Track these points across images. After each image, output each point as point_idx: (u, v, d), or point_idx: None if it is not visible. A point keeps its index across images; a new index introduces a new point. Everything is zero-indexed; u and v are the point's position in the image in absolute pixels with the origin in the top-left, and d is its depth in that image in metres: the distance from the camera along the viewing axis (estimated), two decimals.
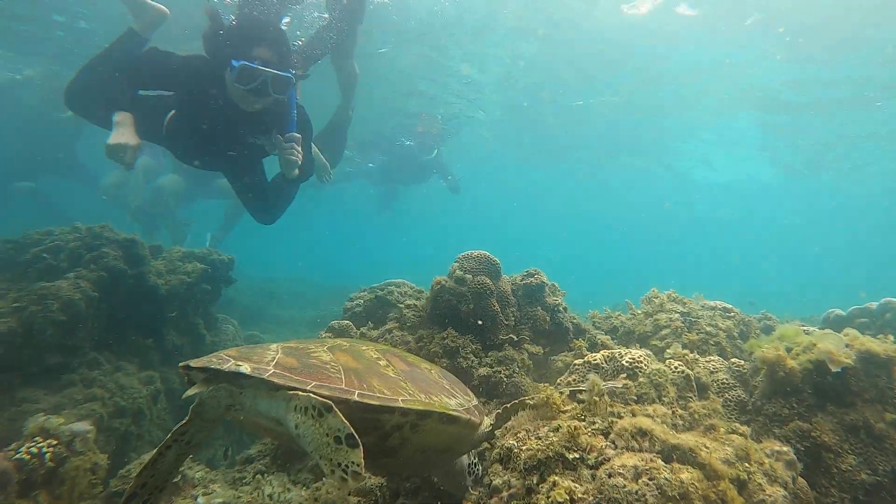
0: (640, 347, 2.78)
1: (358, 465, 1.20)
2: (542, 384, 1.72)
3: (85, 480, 2.49)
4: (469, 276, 2.89)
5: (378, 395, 1.43)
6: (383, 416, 1.43)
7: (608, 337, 2.97)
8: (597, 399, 1.53)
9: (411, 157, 12.88)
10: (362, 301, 3.75)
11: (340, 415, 1.26)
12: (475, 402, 1.76)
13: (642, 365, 1.86)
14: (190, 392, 1.49)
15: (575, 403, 1.68)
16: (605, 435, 1.42)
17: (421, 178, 13.71)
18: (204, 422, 1.55)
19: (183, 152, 3.95)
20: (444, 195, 17.13)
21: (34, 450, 2.37)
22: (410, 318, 3.03)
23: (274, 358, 1.48)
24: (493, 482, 1.40)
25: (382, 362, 1.67)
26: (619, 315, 3.51)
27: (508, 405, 1.77)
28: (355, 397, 1.39)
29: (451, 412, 1.52)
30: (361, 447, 1.22)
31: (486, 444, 1.81)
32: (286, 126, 3.48)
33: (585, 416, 1.52)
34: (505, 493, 1.35)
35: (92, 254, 4.66)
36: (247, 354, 1.50)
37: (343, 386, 1.42)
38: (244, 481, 3.04)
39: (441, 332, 2.83)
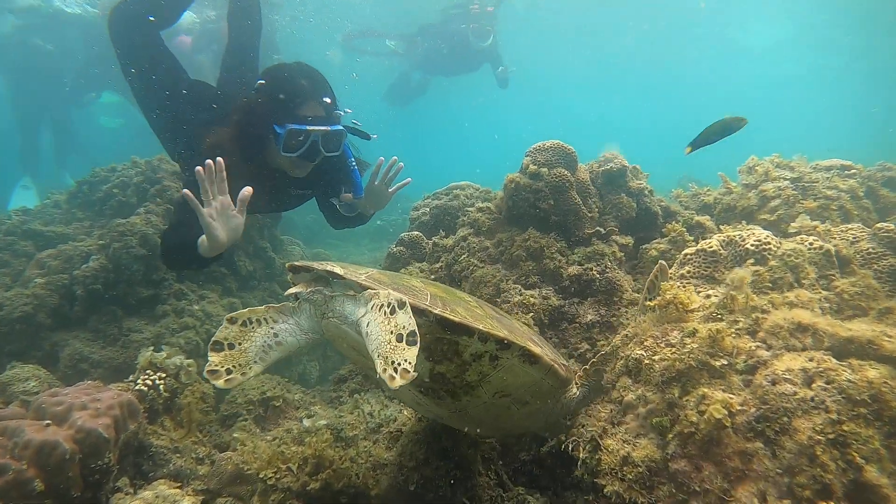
0: (746, 224, 2.51)
1: (409, 363, 1.17)
2: (661, 283, 1.53)
3: (198, 408, 2.62)
4: (544, 170, 2.63)
5: (460, 318, 1.35)
6: (462, 338, 1.35)
7: (706, 217, 2.69)
8: (734, 294, 1.33)
9: (464, 45, 11.50)
10: (428, 209, 3.59)
11: (411, 313, 1.25)
12: (564, 361, 1.60)
13: (771, 246, 1.62)
14: (291, 290, 1.61)
15: (702, 300, 1.49)
16: (753, 334, 1.24)
17: (472, 66, 12.37)
18: (298, 327, 1.67)
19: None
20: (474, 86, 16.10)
21: (149, 382, 2.48)
22: (484, 221, 2.84)
23: (367, 272, 1.55)
24: (626, 397, 1.26)
25: (473, 303, 1.58)
26: (710, 191, 3.19)
27: (595, 358, 1.59)
28: (437, 311, 1.33)
29: (532, 349, 1.38)
30: (418, 346, 1.20)
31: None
32: (348, 180, 2.98)
33: (722, 314, 1.33)
34: (642, 409, 1.21)
35: (155, 187, 4.73)
36: (342, 265, 1.57)
37: (427, 302, 1.37)
38: (341, 400, 3.13)
39: (521, 233, 2.64)
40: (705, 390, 1.12)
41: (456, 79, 13.84)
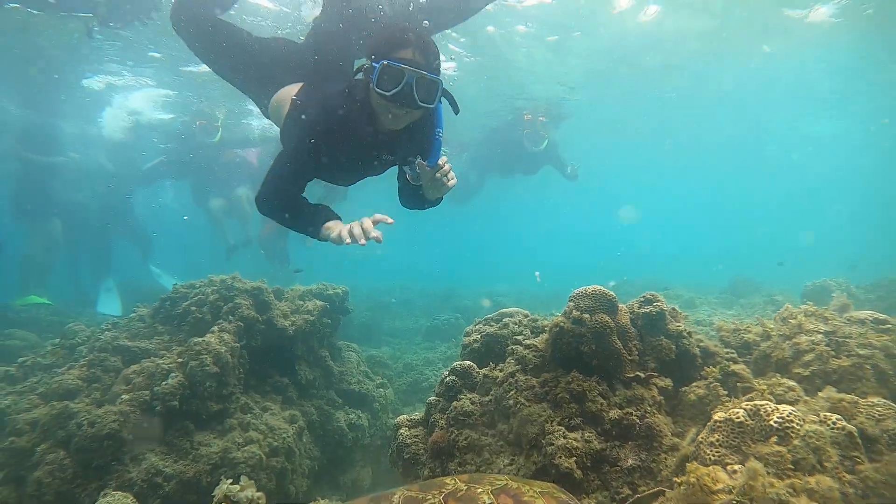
0: (781, 377, 2.63)
1: None
2: (687, 464, 1.69)
3: None
4: (587, 316, 2.87)
5: None
6: None
7: (743, 365, 2.82)
8: (754, 483, 1.49)
9: (519, 148, 12.34)
10: (479, 336, 3.84)
11: None
12: None
13: (794, 424, 1.77)
14: None
15: (728, 477, 1.65)
16: None
17: (530, 169, 13.14)
18: None
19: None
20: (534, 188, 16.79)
21: None
22: (532, 359, 3.07)
23: None
24: None
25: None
26: (751, 328, 3.32)
27: None
28: None
29: None
30: None
31: None
32: (430, 149, 2.96)
33: (742, 501, 1.48)
34: None
35: (228, 305, 5.21)
36: None
37: None
38: None
39: (565, 375, 2.85)
40: None
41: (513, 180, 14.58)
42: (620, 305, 3.09)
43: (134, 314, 5.67)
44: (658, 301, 3.08)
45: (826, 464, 1.67)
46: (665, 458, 2.53)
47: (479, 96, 13.17)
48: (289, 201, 2.88)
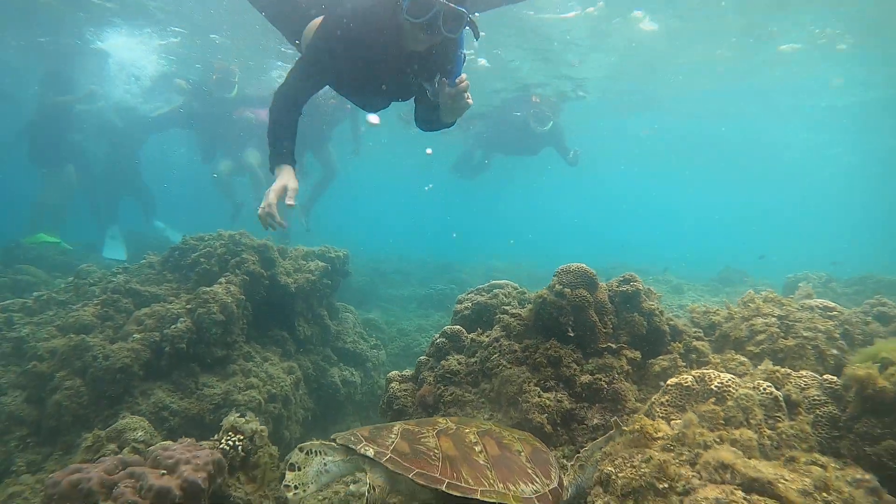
0: (736, 353, 2.94)
1: None
2: (634, 415, 2.00)
3: (269, 466, 3.16)
4: (568, 290, 3.16)
5: (463, 484, 1.90)
6: (468, 500, 1.90)
7: (705, 342, 3.13)
8: (686, 431, 1.79)
9: (524, 128, 12.51)
10: (470, 304, 4.14)
11: None
12: (553, 485, 2.09)
13: (731, 389, 2.07)
14: (335, 458, 2.12)
15: (667, 429, 1.95)
16: (692, 465, 1.69)
17: (532, 149, 13.34)
18: (343, 462, 2.14)
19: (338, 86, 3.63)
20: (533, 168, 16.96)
21: (231, 443, 3.04)
22: (516, 327, 3.37)
23: (393, 442, 2.04)
24: (595, 502, 1.73)
25: (478, 447, 2.12)
26: (719, 311, 3.62)
27: (581, 454, 2.11)
28: (443, 488, 1.88)
29: (522, 501, 1.91)
30: None
31: None
32: (452, 69, 3.06)
33: (675, 446, 1.79)
34: None
35: (235, 259, 5.49)
36: (374, 437, 2.08)
37: (438, 475, 1.91)
38: None
39: (545, 342, 3.15)
40: None
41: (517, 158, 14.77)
42: (600, 283, 3.38)
43: (144, 261, 5.95)
44: (635, 281, 3.37)
45: (752, 420, 1.98)
46: (627, 419, 2.85)
47: (489, 74, 13.26)
48: (284, 107, 3.07)
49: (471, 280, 12.33)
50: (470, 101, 3.04)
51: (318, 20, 3.47)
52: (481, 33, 3.03)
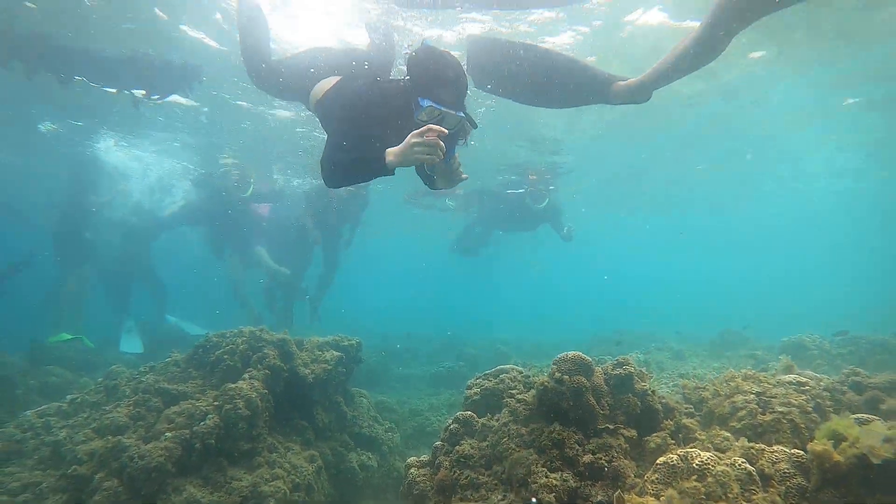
0: (720, 429, 3.27)
1: None
2: (627, 494, 2.33)
3: None
4: (566, 378, 3.53)
5: None
6: None
7: (694, 420, 3.46)
8: None
9: (522, 206, 13.01)
10: (479, 389, 4.48)
11: None
12: None
13: (710, 467, 2.41)
14: None
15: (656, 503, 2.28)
16: None
17: (530, 226, 13.84)
18: None
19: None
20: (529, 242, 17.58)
21: None
22: (522, 412, 3.71)
23: None
24: None
25: None
26: (707, 387, 3.96)
27: None
28: None
29: None
30: None
31: None
32: (450, 149, 3.51)
33: None
34: None
35: (257, 354, 5.85)
36: None
37: None
38: None
39: (549, 425, 3.48)
40: None
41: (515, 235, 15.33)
42: (596, 368, 3.75)
43: (169, 359, 6.32)
44: (628, 364, 3.74)
45: (729, 494, 2.31)
46: (627, 496, 3.14)
47: (486, 156, 14.09)
48: (350, 165, 3.51)
49: (479, 355, 12.58)
50: (464, 175, 3.68)
51: (326, 82, 4.19)
52: (478, 124, 3.66)
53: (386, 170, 3.35)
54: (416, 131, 3.20)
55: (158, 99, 8.65)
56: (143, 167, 14.35)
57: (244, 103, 10.60)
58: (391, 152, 3.32)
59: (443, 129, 3.16)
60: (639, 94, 4.00)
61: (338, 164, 3.57)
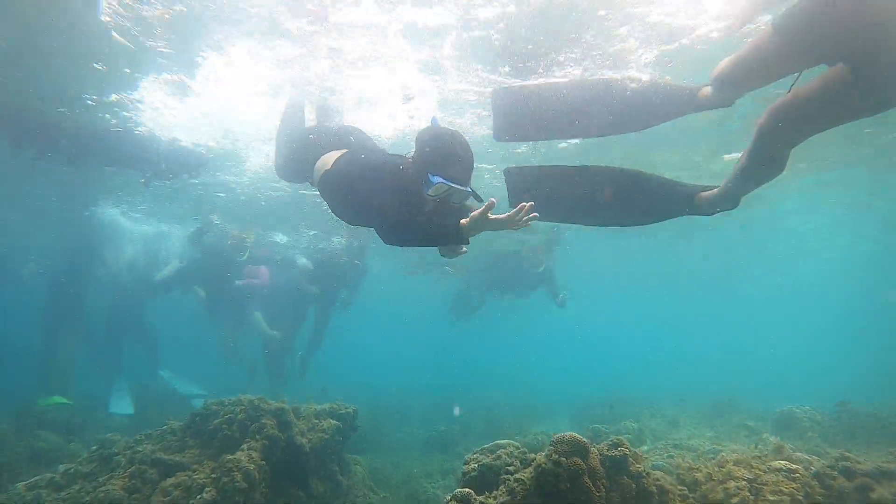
0: None
1: None
2: None
3: None
4: (563, 459, 3.63)
5: None
6: None
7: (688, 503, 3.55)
8: None
9: (519, 270, 13.14)
10: (476, 465, 4.53)
11: None
12: None
13: None
14: None
15: None
16: None
17: (524, 291, 13.96)
18: None
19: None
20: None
21: None
22: (519, 491, 3.78)
23: None
24: None
25: None
26: (701, 468, 4.05)
27: None
28: None
29: None
30: None
31: None
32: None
33: None
34: None
35: (255, 424, 5.86)
36: None
37: None
38: None
39: None
40: None
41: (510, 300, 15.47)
42: (592, 449, 3.85)
43: (166, 427, 6.30)
44: (622, 446, 3.85)
45: None
46: None
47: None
48: (422, 240, 3.66)
49: (471, 420, 12.47)
50: (464, 249, 3.89)
51: (329, 157, 4.28)
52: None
53: (462, 238, 3.44)
54: (514, 209, 3.27)
55: (165, 179, 9.04)
56: (139, 227, 14.52)
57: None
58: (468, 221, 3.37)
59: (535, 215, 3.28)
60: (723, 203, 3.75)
61: (407, 241, 3.77)
